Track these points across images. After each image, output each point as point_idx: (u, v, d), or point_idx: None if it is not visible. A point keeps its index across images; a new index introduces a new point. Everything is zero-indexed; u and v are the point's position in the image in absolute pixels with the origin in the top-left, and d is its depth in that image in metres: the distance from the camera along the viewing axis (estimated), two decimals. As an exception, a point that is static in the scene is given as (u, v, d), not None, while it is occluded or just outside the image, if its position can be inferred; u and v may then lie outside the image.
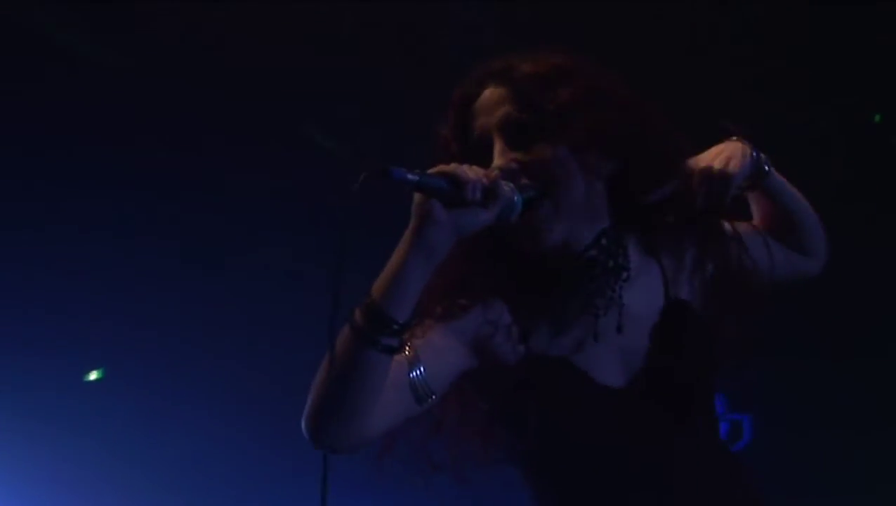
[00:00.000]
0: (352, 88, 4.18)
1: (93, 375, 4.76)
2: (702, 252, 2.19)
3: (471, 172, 1.94)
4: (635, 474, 2.04)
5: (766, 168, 2.23)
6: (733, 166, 2.15)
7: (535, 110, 2.06)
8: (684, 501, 2.05)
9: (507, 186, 1.98)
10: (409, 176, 1.89)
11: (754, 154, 2.19)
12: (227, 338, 4.57)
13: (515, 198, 1.98)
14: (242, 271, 4.48)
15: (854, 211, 3.94)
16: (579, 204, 2.06)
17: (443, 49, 3.97)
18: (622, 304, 2.09)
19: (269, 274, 4.58)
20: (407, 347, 1.97)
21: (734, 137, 2.21)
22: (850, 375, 4.15)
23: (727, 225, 2.24)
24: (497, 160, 2.05)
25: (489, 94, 2.12)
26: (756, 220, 2.32)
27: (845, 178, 4.07)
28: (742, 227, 2.28)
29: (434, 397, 2.01)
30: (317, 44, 4.13)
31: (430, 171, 1.94)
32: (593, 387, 2.06)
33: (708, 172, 2.13)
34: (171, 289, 4.54)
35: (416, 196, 1.94)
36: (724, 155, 2.15)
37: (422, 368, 1.98)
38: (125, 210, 4.41)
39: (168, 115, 4.24)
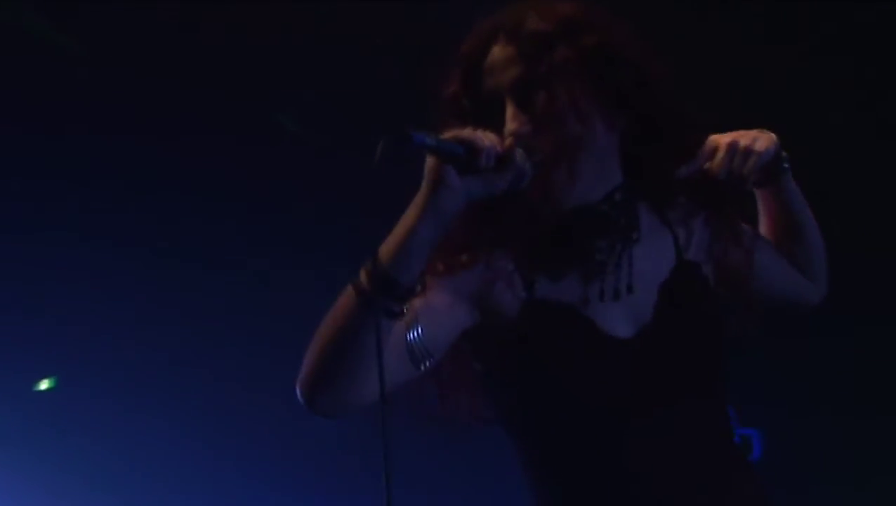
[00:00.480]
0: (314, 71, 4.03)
1: (43, 385, 4.53)
2: (713, 236, 2.16)
3: (486, 138, 1.92)
4: (635, 428, 1.99)
5: (786, 165, 2.21)
6: (759, 146, 2.12)
7: (544, 71, 2.03)
8: (680, 462, 1.99)
9: (520, 155, 1.96)
10: (428, 140, 1.87)
11: (779, 145, 2.17)
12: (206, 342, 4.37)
13: (527, 166, 1.97)
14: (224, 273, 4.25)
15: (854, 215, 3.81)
16: (592, 164, 2.04)
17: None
18: (632, 263, 2.07)
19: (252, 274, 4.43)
20: (405, 308, 1.93)
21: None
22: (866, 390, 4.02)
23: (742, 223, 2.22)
24: (509, 124, 2.02)
25: (498, 52, 2.08)
26: (762, 227, 2.29)
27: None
28: (753, 229, 2.25)
29: (432, 359, 1.98)
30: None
31: (445, 135, 1.91)
32: (598, 335, 2.02)
33: (734, 146, 2.10)
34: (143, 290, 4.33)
35: (430, 160, 1.91)
36: (750, 134, 2.13)
37: (419, 330, 1.95)
38: (87, 206, 4.19)
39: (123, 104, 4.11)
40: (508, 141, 1.96)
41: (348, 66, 3.98)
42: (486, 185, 1.92)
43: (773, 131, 2.17)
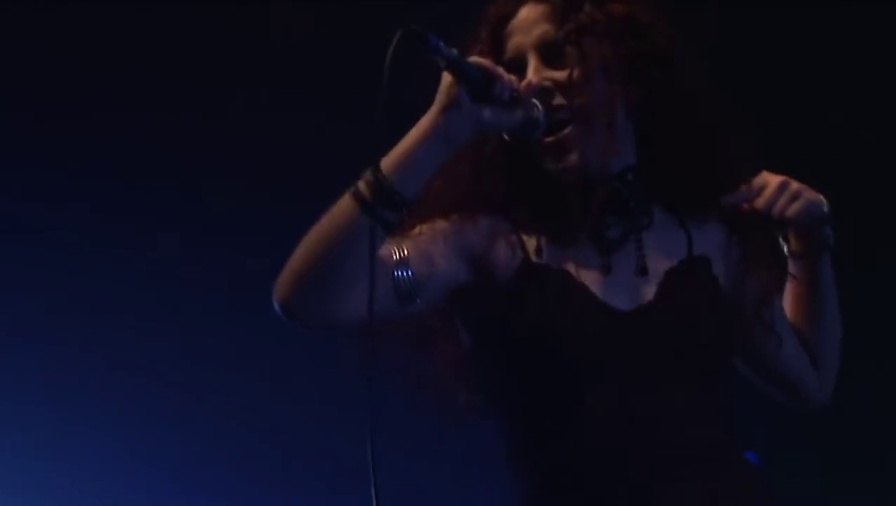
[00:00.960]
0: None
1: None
2: (740, 257, 2.10)
3: (505, 74, 1.92)
4: (617, 396, 1.94)
5: (830, 240, 2.15)
6: (811, 195, 2.08)
7: (573, 29, 2.02)
8: (661, 443, 1.94)
9: (535, 101, 1.96)
10: (445, 50, 1.86)
11: (830, 212, 2.12)
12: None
13: (540, 116, 1.96)
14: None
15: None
16: (609, 133, 2.01)
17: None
18: (642, 245, 2.04)
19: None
20: (396, 248, 1.93)
21: None
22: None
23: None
24: (531, 75, 2.00)
25: (526, 11, 2.07)
26: (785, 300, 2.22)
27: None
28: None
29: (419, 301, 1.94)
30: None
31: (469, 58, 1.91)
32: (591, 300, 1.98)
33: (786, 184, 2.06)
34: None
35: (446, 78, 1.89)
36: (803, 185, 2.09)
37: (409, 271, 1.92)
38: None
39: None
40: (525, 82, 1.96)
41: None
42: (498, 117, 1.90)
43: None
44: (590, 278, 1.99)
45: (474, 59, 1.90)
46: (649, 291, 1.99)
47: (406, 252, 1.93)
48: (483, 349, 2.02)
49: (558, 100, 1.99)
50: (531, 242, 2.03)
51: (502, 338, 1.97)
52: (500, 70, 1.91)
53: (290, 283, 1.87)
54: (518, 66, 2.01)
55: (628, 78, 2.02)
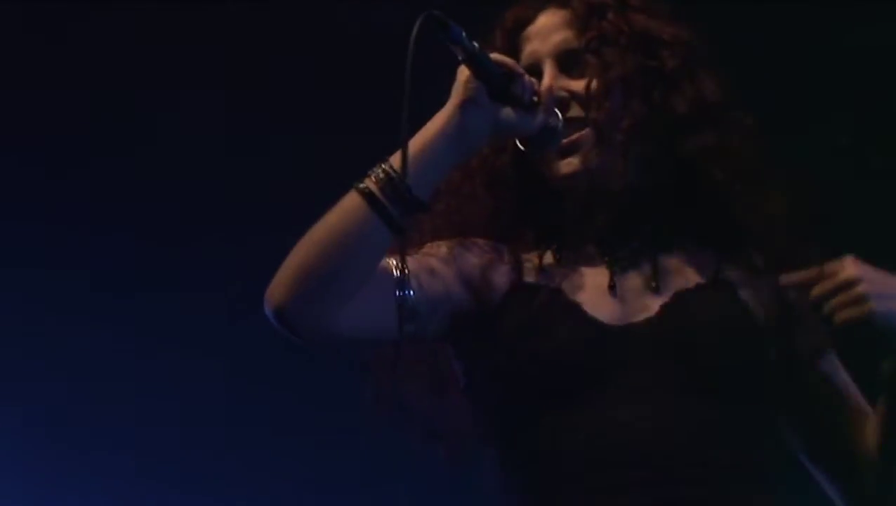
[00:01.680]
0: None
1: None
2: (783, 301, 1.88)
3: (527, 75, 1.83)
4: (601, 421, 1.80)
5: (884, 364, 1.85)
6: (882, 307, 1.73)
7: (595, 38, 1.93)
8: (653, 462, 1.79)
9: (555, 107, 1.87)
10: (467, 42, 1.77)
11: None
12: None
13: (559, 125, 1.87)
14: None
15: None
16: (623, 148, 1.90)
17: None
18: (657, 265, 1.91)
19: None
20: (398, 264, 1.80)
21: None
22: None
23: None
24: (547, 82, 1.90)
25: (545, 18, 1.97)
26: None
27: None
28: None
29: (417, 323, 1.82)
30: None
31: (491, 54, 1.82)
32: (580, 317, 1.84)
33: (851, 283, 1.75)
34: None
35: (463, 72, 1.80)
36: (880, 288, 1.76)
37: (410, 291, 1.81)
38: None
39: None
40: (546, 85, 1.87)
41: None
42: (516, 119, 1.81)
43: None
44: (588, 296, 1.87)
45: (496, 55, 1.81)
46: (654, 309, 1.86)
47: (408, 270, 1.80)
48: (473, 374, 1.92)
49: (574, 111, 1.90)
50: (532, 262, 1.93)
51: (487, 360, 1.87)
52: (522, 70, 1.83)
53: (287, 285, 1.75)
54: (533, 74, 1.91)
55: (650, 94, 1.91)
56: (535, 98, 1.83)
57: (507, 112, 1.80)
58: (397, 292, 1.79)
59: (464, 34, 1.76)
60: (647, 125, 1.91)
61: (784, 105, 3.37)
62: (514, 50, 1.96)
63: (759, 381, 1.86)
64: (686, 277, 1.90)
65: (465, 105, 1.79)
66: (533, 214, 1.98)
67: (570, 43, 1.93)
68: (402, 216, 1.76)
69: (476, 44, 1.78)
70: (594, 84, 1.90)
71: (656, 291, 1.88)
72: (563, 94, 1.89)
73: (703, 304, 1.86)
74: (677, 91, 1.92)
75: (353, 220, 1.75)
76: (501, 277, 1.91)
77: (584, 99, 1.90)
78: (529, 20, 1.98)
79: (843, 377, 1.93)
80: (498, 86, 1.79)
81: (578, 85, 1.91)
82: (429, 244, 1.90)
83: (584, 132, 1.89)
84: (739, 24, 3.36)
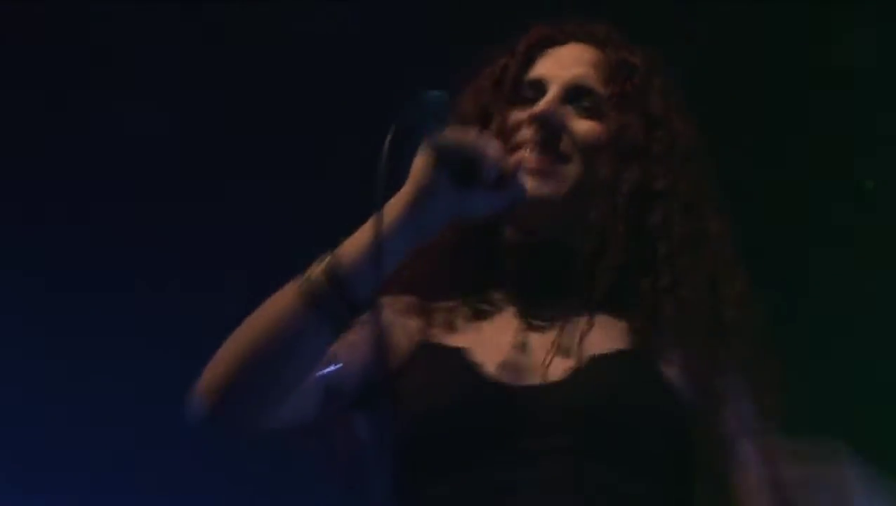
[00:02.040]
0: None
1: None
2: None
3: (492, 147, 1.70)
4: (487, 484, 1.67)
5: None
6: None
7: (619, 94, 1.85)
8: None
9: (521, 182, 1.76)
10: (432, 138, 1.65)
11: None
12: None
13: (525, 197, 1.76)
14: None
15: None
16: (592, 206, 1.82)
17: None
18: (574, 328, 1.79)
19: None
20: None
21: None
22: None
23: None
24: (546, 102, 1.82)
25: (574, 49, 1.89)
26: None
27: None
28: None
29: (341, 400, 1.76)
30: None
31: (450, 135, 1.67)
32: (475, 377, 1.72)
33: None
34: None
35: (422, 160, 1.68)
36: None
37: (336, 372, 1.74)
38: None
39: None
40: (546, 102, 1.80)
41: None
42: (481, 202, 1.70)
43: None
44: (493, 355, 1.75)
45: (457, 137, 1.68)
46: (562, 372, 1.74)
47: (333, 349, 1.71)
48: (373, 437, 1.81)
49: (565, 144, 1.81)
50: (446, 319, 1.83)
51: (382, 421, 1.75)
52: (488, 143, 1.70)
53: (218, 386, 1.64)
54: (534, 88, 1.86)
55: (646, 167, 1.84)
56: (503, 175, 1.71)
57: (469, 198, 1.69)
58: (324, 377, 1.71)
59: (434, 132, 1.65)
60: (630, 196, 1.83)
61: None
62: (529, 61, 1.89)
63: (664, 455, 1.71)
64: (607, 342, 1.78)
65: (424, 197, 1.66)
66: (462, 266, 1.87)
67: (588, 81, 1.85)
68: (346, 317, 1.65)
69: (444, 129, 1.66)
70: (602, 133, 1.82)
71: (569, 354, 1.75)
72: (562, 115, 1.81)
73: (615, 371, 1.74)
74: (666, 171, 1.85)
75: (293, 316, 1.64)
76: (409, 337, 1.81)
77: (574, 142, 1.81)
78: (557, 43, 1.91)
79: (757, 474, 1.72)
80: (461, 171, 1.68)
81: (581, 124, 1.82)
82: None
83: (567, 166, 1.81)
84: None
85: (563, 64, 1.87)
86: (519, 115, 1.85)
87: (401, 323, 1.82)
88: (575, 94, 1.84)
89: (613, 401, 1.70)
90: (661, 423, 1.71)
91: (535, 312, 1.82)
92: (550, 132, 1.81)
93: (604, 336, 1.79)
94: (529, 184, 1.77)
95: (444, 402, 1.71)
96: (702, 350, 1.76)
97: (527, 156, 1.79)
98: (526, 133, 1.82)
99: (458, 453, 1.69)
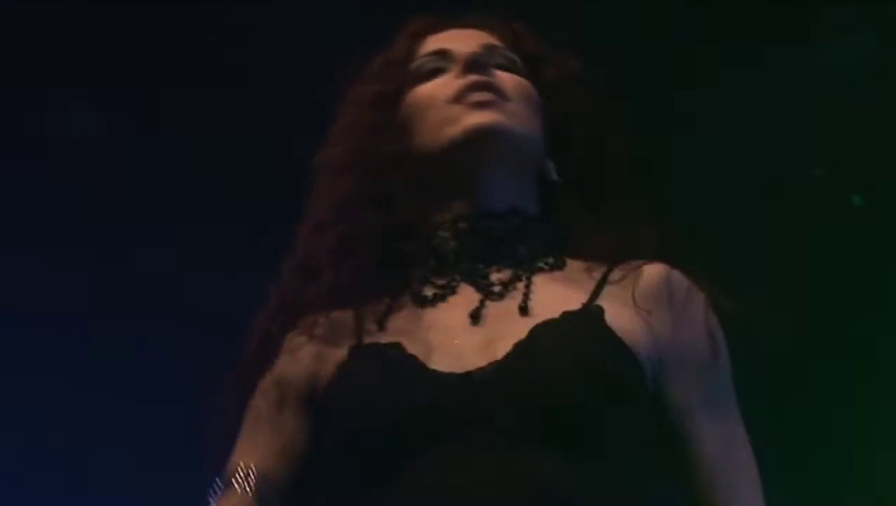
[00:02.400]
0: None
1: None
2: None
3: None
4: (434, 483, 1.50)
5: None
6: None
7: (523, 56, 1.76)
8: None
9: (466, 113, 1.66)
10: None
11: None
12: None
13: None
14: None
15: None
16: (532, 157, 1.72)
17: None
18: (528, 293, 1.63)
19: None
20: (241, 476, 1.61)
21: None
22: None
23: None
24: (469, 51, 1.71)
25: (467, 31, 1.79)
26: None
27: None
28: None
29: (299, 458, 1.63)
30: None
31: None
32: (413, 370, 1.56)
33: None
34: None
35: None
36: None
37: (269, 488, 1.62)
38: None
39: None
40: (469, 50, 1.71)
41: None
42: None
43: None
44: (434, 340, 1.59)
45: None
46: (504, 349, 1.56)
47: (253, 478, 1.61)
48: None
49: (500, 85, 1.69)
50: (377, 319, 1.67)
51: (321, 432, 1.62)
52: None
53: None
54: (441, 57, 1.73)
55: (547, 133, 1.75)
56: None
57: None
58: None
59: None
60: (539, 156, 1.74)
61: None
62: (412, 54, 1.77)
63: (622, 435, 1.53)
64: (559, 302, 1.61)
65: None
66: (388, 259, 1.72)
67: (496, 43, 1.76)
68: None
69: None
70: (520, 83, 1.72)
71: (516, 322, 1.58)
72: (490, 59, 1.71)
73: (558, 340, 1.55)
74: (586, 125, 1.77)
75: None
76: (337, 355, 1.64)
77: (514, 86, 1.71)
78: (440, 30, 1.79)
79: (722, 442, 1.60)
80: None
81: (506, 75, 1.72)
82: (248, 417, 1.66)
83: (510, 103, 1.68)
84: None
85: (462, 38, 1.76)
86: (433, 83, 1.72)
87: (331, 344, 1.66)
88: (489, 52, 1.73)
89: (556, 380, 1.50)
90: (614, 399, 1.52)
91: (484, 283, 1.66)
92: (485, 72, 1.69)
93: (559, 292, 1.63)
94: (477, 117, 1.66)
95: (373, 403, 1.55)
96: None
97: (469, 97, 1.68)
98: (457, 83, 1.69)
99: (388, 457, 1.53)
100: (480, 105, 1.66)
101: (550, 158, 1.74)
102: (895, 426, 3.85)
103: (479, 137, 1.65)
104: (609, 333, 1.56)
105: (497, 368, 1.53)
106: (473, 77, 1.68)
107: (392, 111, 1.74)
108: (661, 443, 1.57)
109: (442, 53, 1.74)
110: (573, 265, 1.69)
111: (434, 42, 1.76)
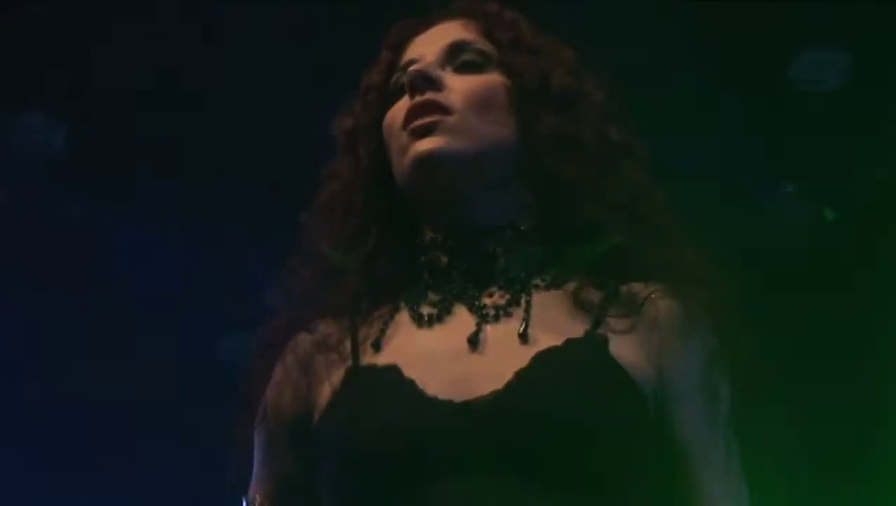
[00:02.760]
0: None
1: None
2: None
3: None
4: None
5: None
6: None
7: (497, 43, 1.70)
8: None
9: (410, 143, 1.62)
10: None
11: None
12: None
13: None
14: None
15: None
16: (501, 163, 1.65)
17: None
18: (528, 317, 1.58)
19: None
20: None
21: None
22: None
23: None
24: (412, 69, 1.66)
25: (439, 27, 1.73)
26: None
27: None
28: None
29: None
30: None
31: None
32: (410, 397, 1.52)
33: None
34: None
35: None
36: None
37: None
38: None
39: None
40: (417, 67, 1.65)
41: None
42: None
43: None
44: (431, 364, 1.55)
45: None
46: (505, 378, 1.52)
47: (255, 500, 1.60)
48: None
49: (447, 99, 1.62)
50: (373, 337, 1.63)
51: (319, 457, 1.59)
52: None
53: None
54: (405, 71, 1.68)
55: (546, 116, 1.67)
56: None
57: None
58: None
59: None
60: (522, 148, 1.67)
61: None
62: (396, 58, 1.72)
63: (623, 469, 1.50)
64: (561, 326, 1.57)
65: None
66: (385, 274, 1.69)
67: (464, 38, 1.70)
68: None
69: None
70: (498, 82, 1.67)
71: (517, 349, 1.54)
72: (433, 72, 1.64)
73: (561, 372, 1.51)
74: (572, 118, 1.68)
75: None
76: (333, 376, 1.61)
77: (466, 91, 1.64)
78: (420, 32, 1.74)
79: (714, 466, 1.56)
80: None
81: (463, 80, 1.65)
82: (258, 448, 1.64)
83: (450, 117, 1.62)
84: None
85: (432, 40, 1.71)
86: (396, 106, 1.67)
87: (328, 367, 1.62)
88: (452, 53, 1.68)
89: (558, 414, 1.48)
90: (617, 435, 1.49)
91: (477, 305, 1.61)
92: (430, 88, 1.63)
93: (563, 316, 1.58)
94: (418, 146, 1.61)
95: (371, 428, 1.51)
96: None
97: (413, 123, 1.63)
98: (406, 107, 1.64)
99: (386, 485, 1.50)
100: (422, 132, 1.61)
101: (547, 152, 1.66)
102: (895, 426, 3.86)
103: (424, 168, 1.61)
104: (614, 366, 1.53)
105: (498, 397, 1.49)
106: (417, 99, 1.63)
107: (377, 140, 1.72)
108: (660, 476, 1.54)
109: (409, 65, 1.69)
110: (573, 279, 1.63)
111: (409, 51, 1.72)
